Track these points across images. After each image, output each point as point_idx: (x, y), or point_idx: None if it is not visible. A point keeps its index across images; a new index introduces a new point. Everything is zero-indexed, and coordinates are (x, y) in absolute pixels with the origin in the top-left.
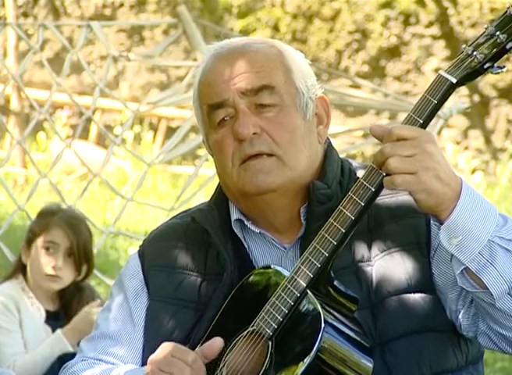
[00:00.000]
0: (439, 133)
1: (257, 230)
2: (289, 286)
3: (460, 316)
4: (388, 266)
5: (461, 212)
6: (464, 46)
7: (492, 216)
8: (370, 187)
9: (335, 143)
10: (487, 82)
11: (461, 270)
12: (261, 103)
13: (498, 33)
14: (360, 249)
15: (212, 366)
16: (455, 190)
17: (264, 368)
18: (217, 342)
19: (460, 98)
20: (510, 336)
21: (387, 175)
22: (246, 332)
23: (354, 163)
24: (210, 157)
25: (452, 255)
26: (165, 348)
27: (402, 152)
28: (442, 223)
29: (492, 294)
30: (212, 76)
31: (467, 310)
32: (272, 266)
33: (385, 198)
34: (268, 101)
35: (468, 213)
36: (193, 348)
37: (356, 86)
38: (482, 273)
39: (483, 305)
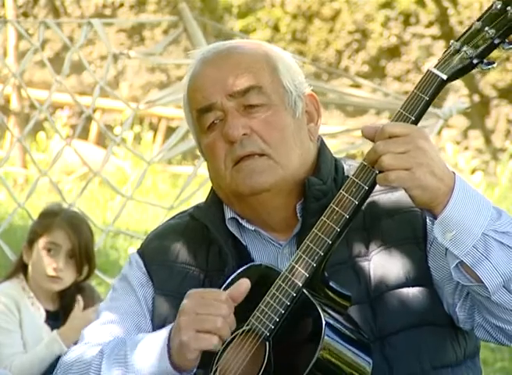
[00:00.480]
0: (439, 133)
1: (251, 228)
2: (283, 285)
3: (456, 309)
4: (385, 260)
5: (455, 207)
6: (452, 42)
7: (485, 210)
8: (363, 185)
9: (335, 143)
10: (487, 82)
11: (456, 264)
12: (249, 104)
13: (486, 28)
14: (357, 245)
15: (206, 364)
16: (448, 184)
17: (262, 369)
18: (244, 284)
19: (460, 98)
20: (506, 328)
21: (380, 172)
22: (241, 331)
23: (349, 162)
24: (206, 158)
25: (446, 249)
26: (193, 294)
27: (395, 149)
28: (436, 218)
29: (487, 288)
30: (199, 81)
31: (463, 303)
32: (264, 264)
33: (381, 193)
34: (256, 101)
35: (462, 207)
36: None
37: (356, 85)
38: (477, 266)
39: (479, 298)
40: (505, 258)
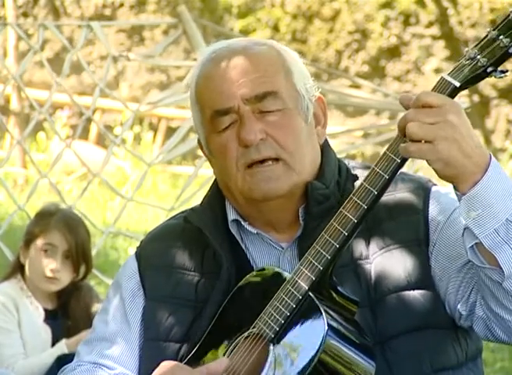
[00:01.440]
0: None
1: (254, 231)
2: (290, 288)
3: (459, 306)
4: (387, 263)
5: (484, 187)
6: (466, 49)
7: None
8: (372, 189)
9: (335, 143)
10: (487, 82)
11: (472, 245)
12: (266, 109)
13: (501, 37)
14: (359, 247)
15: None
16: (478, 164)
17: (265, 370)
18: (224, 362)
19: (460, 98)
20: (507, 318)
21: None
22: (246, 334)
23: (352, 163)
24: (214, 158)
25: (465, 228)
26: (166, 366)
27: (424, 119)
28: (463, 194)
29: (500, 273)
30: (215, 80)
31: (467, 300)
32: (272, 268)
33: (384, 195)
34: (272, 107)
35: (492, 189)
36: (193, 347)
37: (356, 86)
38: (496, 250)
39: (488, 283)
40: None
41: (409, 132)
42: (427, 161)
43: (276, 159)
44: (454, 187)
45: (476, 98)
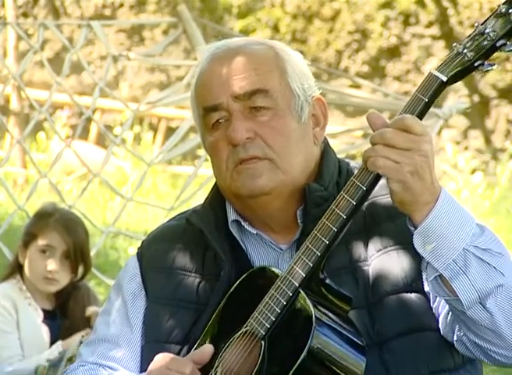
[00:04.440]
0: (438, 133)
1: (253, 231)
2: (281, 285)
3: (440, 319)
4: (385, 264)
5: (436, 218)
6: (454, 44)
7: (468, 225)
8: (361, 185)
9: (334, 143)
10: (487, 82)
11: (435, 277)
12: (255, 106)
13: (488, 30)
14: (357, 249)
15: (207, 366)
16: (434, 194)
17: (257, 368)
18: (208, 348)
19: (460, 98)
20: (484, 346)
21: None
22: (240, 332)
23: (352, 163)
24: (209, 157)
25: (427, 262)
26: (161, 360)
27: (400, 144)
28: (415, 228)
29: (462, 303)
30: (207, 78)
31: (445, 316)
32: (267, 267)
33: (383, 197)
34: (261, 104)
35: (444, 220)
36: (191, 347)
37: (356, 86)
38: (454, 280)
39: (456, 312)
40: (483, 274)
41: (379, 153)
42: (387, 180)
43: (263, 158)
44: (408, 219)
45: (476, 98)
